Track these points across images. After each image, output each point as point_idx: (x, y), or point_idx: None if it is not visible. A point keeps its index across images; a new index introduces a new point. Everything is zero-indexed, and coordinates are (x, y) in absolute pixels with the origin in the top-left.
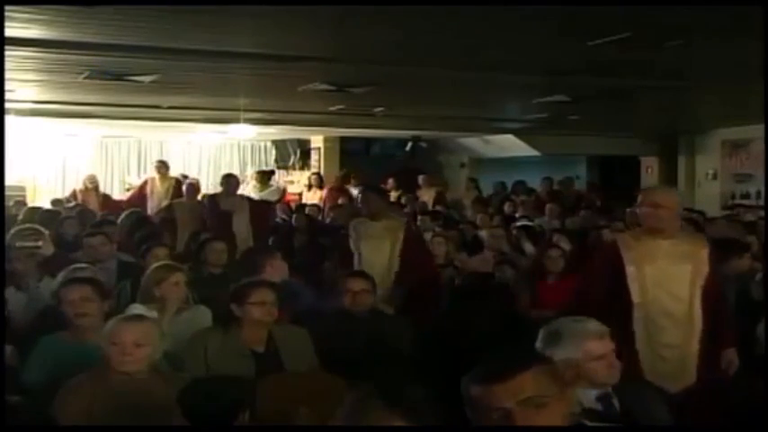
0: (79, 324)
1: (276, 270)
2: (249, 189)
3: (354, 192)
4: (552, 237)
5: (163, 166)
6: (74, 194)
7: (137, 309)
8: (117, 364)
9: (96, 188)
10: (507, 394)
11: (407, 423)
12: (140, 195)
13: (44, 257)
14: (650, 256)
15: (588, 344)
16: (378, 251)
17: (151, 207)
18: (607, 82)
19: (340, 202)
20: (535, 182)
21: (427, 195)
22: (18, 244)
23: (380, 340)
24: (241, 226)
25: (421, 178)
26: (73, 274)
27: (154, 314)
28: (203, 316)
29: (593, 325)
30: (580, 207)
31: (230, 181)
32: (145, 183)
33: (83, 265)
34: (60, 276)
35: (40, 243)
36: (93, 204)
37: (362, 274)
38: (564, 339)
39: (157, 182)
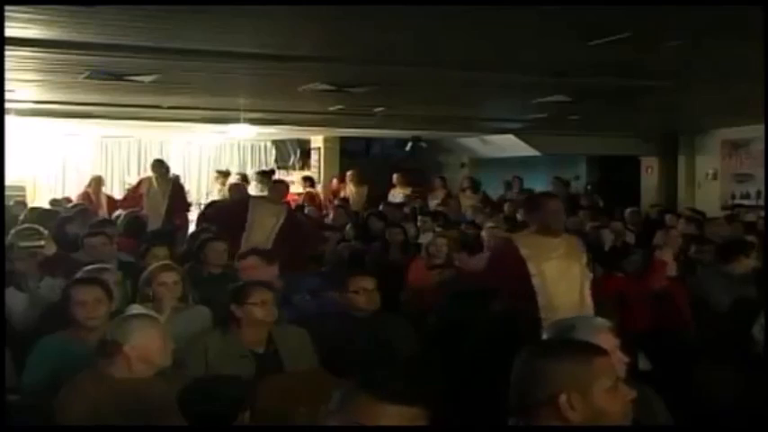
0: (88, 325)
1: None
2: (250, 189)
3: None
4: None
5: (161, 166)
6: (87, 197)
7: (135, 309)
8: (163, 360)
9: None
10: (610, 368)
11: (396, 411)
12: (136, 196)
13: (45, 257)
14: None
15: (601, 337)
16: (566, 277)
17: (149, 208)
18: (607, 82)
19: (337, 202)
20: (535, 182)
21: (401, 195)
22: (21, 244)
23: (382, 341)
24: (262, 233)
25: (395, 177)
26: (86, 274)
27: (153, 314)
28: (202, 316)
29: (602, 320)
30: (577, 208)
31: (280, 188)
32: (140, 183)
33: (107, 265)
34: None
35: (42, 243)
36: (104, 206)
37: (371, 273)
38: (579, 333)
39: (154, 182)
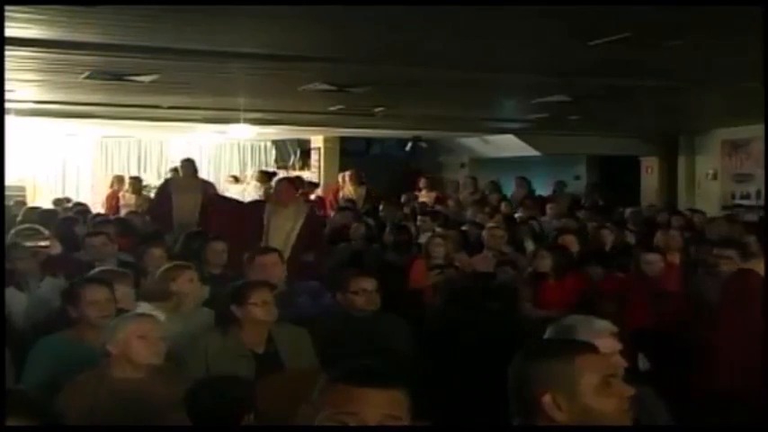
0: (99, 324)
1: None
2: (250, 189)
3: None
4: (558, 237)
5: (191, 166)
6: (114, 196)
7: (142, 308)
8: (144, 357)
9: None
10: (597, 366)
11: (377, 395)
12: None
13: (47, 256)
14: None
15: (601, 341)
16: None
17: (180, 209)
18: (607, 82)
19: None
20: (535, 182)
21: (356, 193)
22: (25, 243)
23: (381, 341)
24: (278, 238)
25: (348, 174)
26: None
27: (159, 313)
28: (206, 316)
29: (605, 323)
30: (577, 209)
31: (283, 188)
32: (166, 184)
33: (120, 268)
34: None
35: (47, 243)
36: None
37: (371, 274)
38: (579, 335)
39: (182, 182)
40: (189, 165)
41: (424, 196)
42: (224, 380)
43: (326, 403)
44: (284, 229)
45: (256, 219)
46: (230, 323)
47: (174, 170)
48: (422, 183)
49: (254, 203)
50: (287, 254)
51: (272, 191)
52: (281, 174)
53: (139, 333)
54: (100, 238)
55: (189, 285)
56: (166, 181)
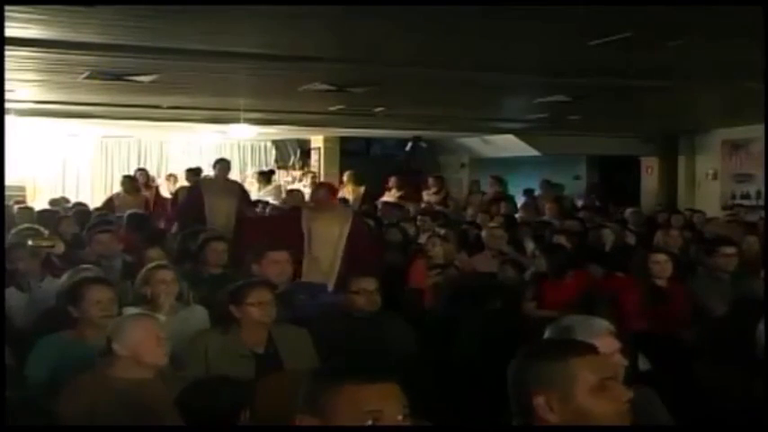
0: (102, 324)
1: None
2: (254, 190)
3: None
4: (552, 237)
5: (227, 168)
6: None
7: (130, 310)
8: (155, 357)
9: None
10: (593, 367)
11: (378, 389)
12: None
13: (48, 255)
14: None
15: (600, 340)
16: None
17: (213, 210)
18: (607, 82)
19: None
20: (535, 182)
21: (354, 194)
22: (30, 243)
23: (381, 341)
24: (328, 247)
25: (346, 174)
26: (85, 273)
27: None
28: (199, 315)
29: (603, 322)
30: (576, 210)
31: (324, 193)
32: (197, 185)
33: (88, 266)
34: (67, 275)
35: (51, 242)
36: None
37: (373, 274)
38: (577, 335)
39: (218, 182)
40: (225, 165)
41: (392, 195)
42: (216, 379)
43: (338, 407)
44: (331, 236)
45: (295, 228)
46: (230, 323)
47: (190, 171)
48: (391, 182)
49: (289, 212)
50: (337, 262)
51: (271, 189)
52: (282, 174)
53: (150, 335)
54: (108, 235)
55: (159, 286)
56: (197, 182)
